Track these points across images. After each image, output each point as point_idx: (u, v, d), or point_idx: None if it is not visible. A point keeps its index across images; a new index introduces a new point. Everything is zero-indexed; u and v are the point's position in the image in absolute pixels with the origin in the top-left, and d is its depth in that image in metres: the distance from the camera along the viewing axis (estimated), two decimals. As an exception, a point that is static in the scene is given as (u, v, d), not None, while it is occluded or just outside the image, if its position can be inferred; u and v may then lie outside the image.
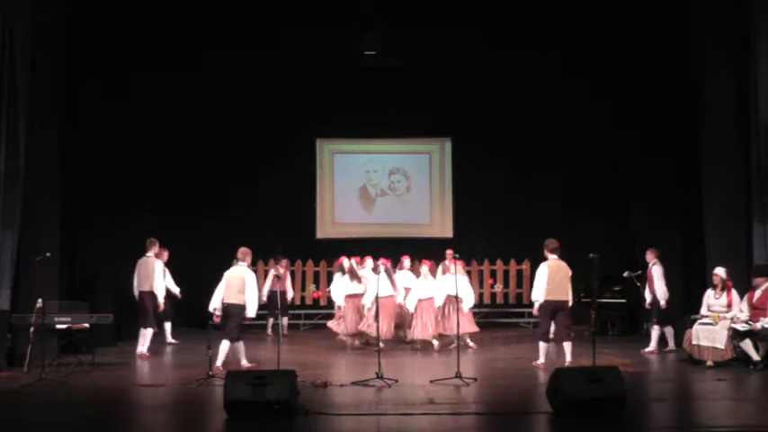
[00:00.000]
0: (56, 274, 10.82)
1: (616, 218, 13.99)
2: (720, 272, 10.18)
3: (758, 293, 9.88)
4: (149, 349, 11.22)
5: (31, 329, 9.55)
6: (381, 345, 10.34)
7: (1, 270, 9.81)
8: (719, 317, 9.92)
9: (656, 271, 11.40)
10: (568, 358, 9.85)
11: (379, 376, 8.78)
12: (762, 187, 10.44)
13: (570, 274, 10.10)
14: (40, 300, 9.47)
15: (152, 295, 11.42)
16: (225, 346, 9.70)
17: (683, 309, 11.15)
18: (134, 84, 12.93)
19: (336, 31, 13.96)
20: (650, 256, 11.54)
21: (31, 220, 10.34)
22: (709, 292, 10.30)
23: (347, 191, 16.38)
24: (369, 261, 12.24)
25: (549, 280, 9.94)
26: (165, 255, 12.14)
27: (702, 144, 11.27)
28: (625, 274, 12.63)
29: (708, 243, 11.09)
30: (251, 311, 9.71)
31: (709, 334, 9.89)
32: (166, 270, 11.94)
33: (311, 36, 14.02)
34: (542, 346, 10.04)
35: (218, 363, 9.53)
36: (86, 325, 10.31)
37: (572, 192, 15.11)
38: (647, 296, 11.50)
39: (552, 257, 10.09)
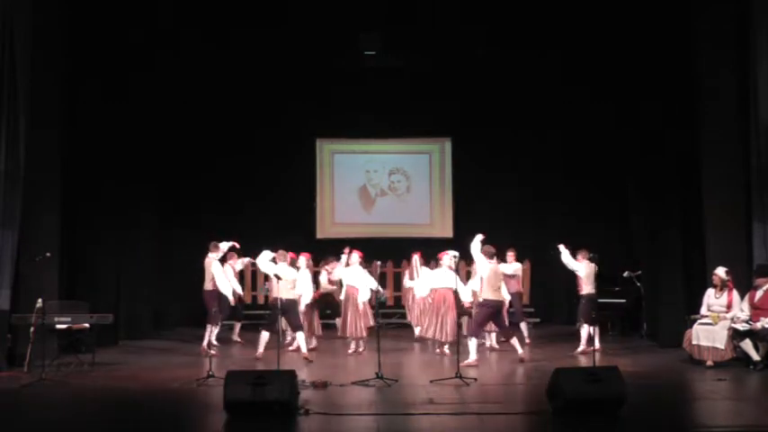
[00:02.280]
0: (56, 274, 10.81)
1: (616, 218, 13.97)
2: (720, 272, 10.14)
3: (760, 293, 9.86)
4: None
5: (31, 329, 9.56)
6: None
7: (1, 270, 9.79)
8: (719, 317, 9.91)
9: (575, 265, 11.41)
10: (519, 351, 10.47)
11: (380, 376, 8.79)
12: (762, 187, 10.42)
13: (502, 275, 10.67)
14: (40, 300, 9.46)
15: (208, 294, 11.69)
16: (300, 336, 10.89)
17: (684, 308, 11.14)
18: (134, 84, 12.92)
19: (336, 32, 13.95)
20: (580, 258, 11.31)
21: (31, 220, 10.33)
22: (710, 292, 10.26)
23: (347, 191, 16.39)
24: (354, 255, 12.04)
25: (487, 282, 10.36)
26: (219, 253, 12.11)
27: (702, 144, 11.25)
28: (625, 274, 12.64)
29: (708, 243, 11.06)
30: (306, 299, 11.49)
31: (708, 334, 9.87)
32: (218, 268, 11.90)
33: (311, 36, 14.01)
34: (473, 342, 10.25)
35: (304, 350, 10.79)
36: (86, 325, 10.29)
37: (572, 192, 15.10)
38: None
39: (491, 261, 10.51)
